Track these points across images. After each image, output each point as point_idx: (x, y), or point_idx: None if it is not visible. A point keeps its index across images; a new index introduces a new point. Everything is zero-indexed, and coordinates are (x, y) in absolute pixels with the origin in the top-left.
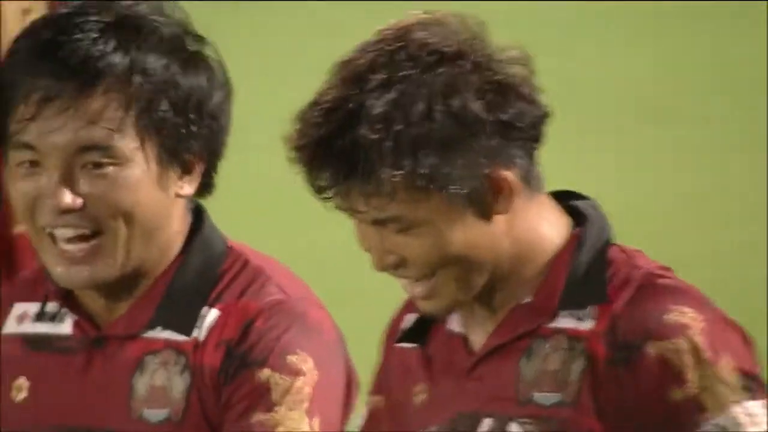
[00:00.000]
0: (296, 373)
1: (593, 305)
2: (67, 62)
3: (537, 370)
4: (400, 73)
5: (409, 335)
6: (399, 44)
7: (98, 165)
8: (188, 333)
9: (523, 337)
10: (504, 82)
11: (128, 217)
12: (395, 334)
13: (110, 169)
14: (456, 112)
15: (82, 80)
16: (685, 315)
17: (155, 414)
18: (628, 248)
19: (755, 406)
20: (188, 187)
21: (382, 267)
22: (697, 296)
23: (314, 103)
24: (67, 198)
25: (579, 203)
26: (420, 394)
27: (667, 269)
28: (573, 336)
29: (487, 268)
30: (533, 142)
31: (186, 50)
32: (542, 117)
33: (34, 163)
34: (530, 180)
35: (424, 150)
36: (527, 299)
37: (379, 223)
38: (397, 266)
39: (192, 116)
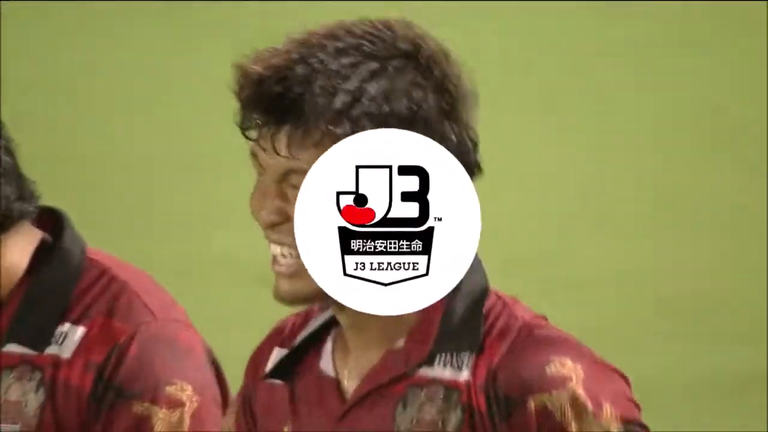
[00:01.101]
0: (177, 404)
1: (469, 354)
2: None
3: (413, 419)
4: (366, 43)
5: (275, 371)
6: (369, 29)
7: None
8: (40, 349)
9: (399, 384)
10: (459, 93)
11: None
12: (260, 367)
13: None
14: (415, 104)
15: None
16: (565, 366)
17: (8, 429)
18: (505, 296)
19: None
20: None
21: (268, 224)
22: (573, 345)
23: (274, 48)
24: None
25: None
26: None
27: (543, 318)
28: (449, 387)
29: None
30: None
31: None
32: (476, 145)
33: None
34: None
35: (368, 123)
36: (399, 343)
37: (287, 173)
38: (279, 224)
39: None
